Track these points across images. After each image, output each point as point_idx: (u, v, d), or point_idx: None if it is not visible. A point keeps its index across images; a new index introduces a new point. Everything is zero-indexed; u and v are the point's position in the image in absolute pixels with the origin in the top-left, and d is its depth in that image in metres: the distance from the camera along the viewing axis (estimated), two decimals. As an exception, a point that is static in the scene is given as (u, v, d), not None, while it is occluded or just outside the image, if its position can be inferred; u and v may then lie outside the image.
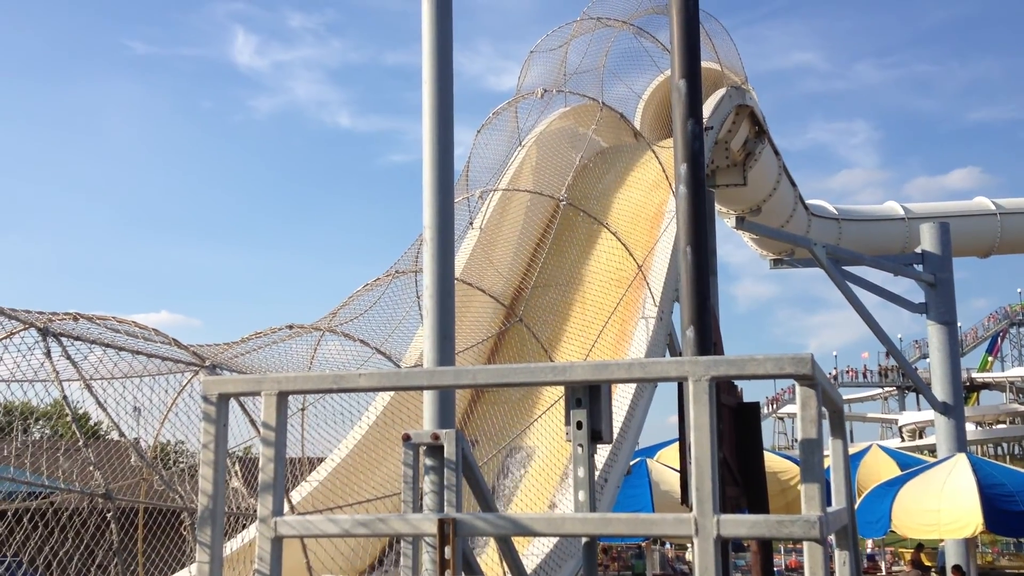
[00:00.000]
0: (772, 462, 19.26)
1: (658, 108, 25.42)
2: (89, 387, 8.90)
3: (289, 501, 11.33)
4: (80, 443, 8.86)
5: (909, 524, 18.10)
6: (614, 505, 14.34)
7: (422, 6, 5.84)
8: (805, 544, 3.83)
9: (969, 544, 21.01)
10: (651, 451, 23.12)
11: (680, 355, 9.49)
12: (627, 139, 21.14)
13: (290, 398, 4.39)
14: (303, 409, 12.17)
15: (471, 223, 17.86)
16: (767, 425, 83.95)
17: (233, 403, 4.66)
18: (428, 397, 5.37)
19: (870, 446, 26.59)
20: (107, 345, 9.36)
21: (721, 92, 23.66)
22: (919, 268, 28.04)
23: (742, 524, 3.66)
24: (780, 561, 30.12)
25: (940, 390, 26.80)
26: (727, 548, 5.79)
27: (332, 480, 13.39)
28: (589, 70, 21.99)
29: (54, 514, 9.17)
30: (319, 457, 14.03)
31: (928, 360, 29.34)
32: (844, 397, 69.59)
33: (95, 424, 13.84)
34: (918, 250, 28.51)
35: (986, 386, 78.30)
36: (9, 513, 9.01)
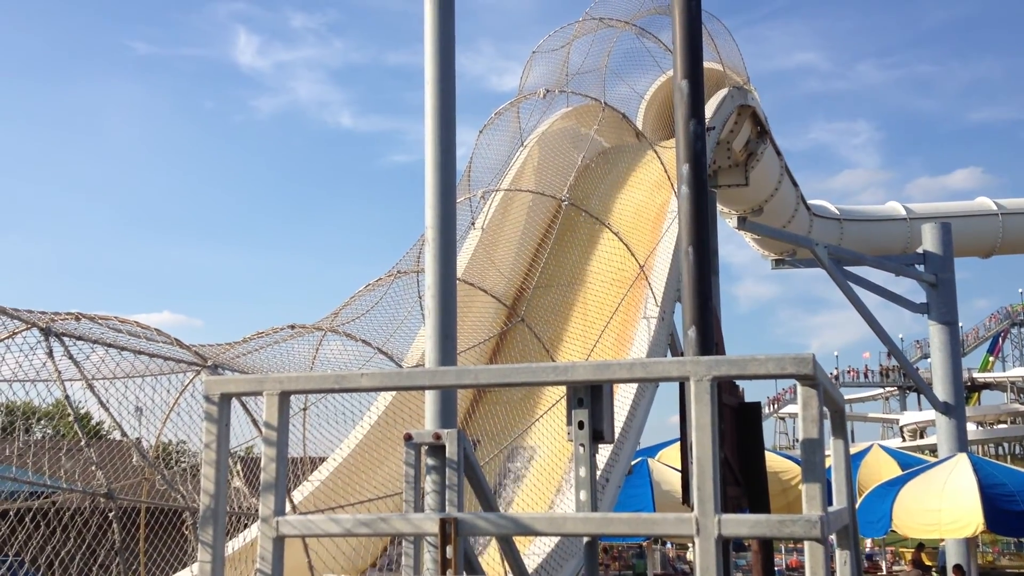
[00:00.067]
0: (773, 462, 19.26)
1: (660, 108, 25.43)
2: (91, 387, 8.91)
3: (291, 501, 11.34)
4: (82, 443, 8.87)
5: (910, 524, 18.11)
6: (615, 505, 14.35)
7: (424, 6, 5.84)
8: (806, 544, 3.83)
9: (970, 544, 21.02)
10: (652, 451, 23.15)
11: (682, 355, 9.49)
12: (629, 139, 21.14)
13: (292, 398, 4.40)
14: (305, 409, 12.18)
15: (473, 223, 17.86)
16: (768, 425, 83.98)
17: (235, 403, 4.66)
18: (430, 397, 5.38)
19: (871, 446, 26.60)
20: (109, 345, 9.37)
21: (723, 92, 23.67)
22: (920, 268, 28.02)
23: (743, 524, 3.67)
24: (781, 561, 30.13)
25: (941, 390, 26.78)
26: (728, 548, 5.80)
27: (334, 480, 13.40)
28: (591, 70, 22.00)
29: (56, 514, 9.18)
30: (321, 457, 14.04)
31: (929, 360, 29.31)
32: (845, 397, 69.51)
33: (97, 424, 13.86)
34: (920, 250, 28.48)
35: (987, 386, 78.31)
36: (11, 513, 9.02)
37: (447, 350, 5.48)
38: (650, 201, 19.04)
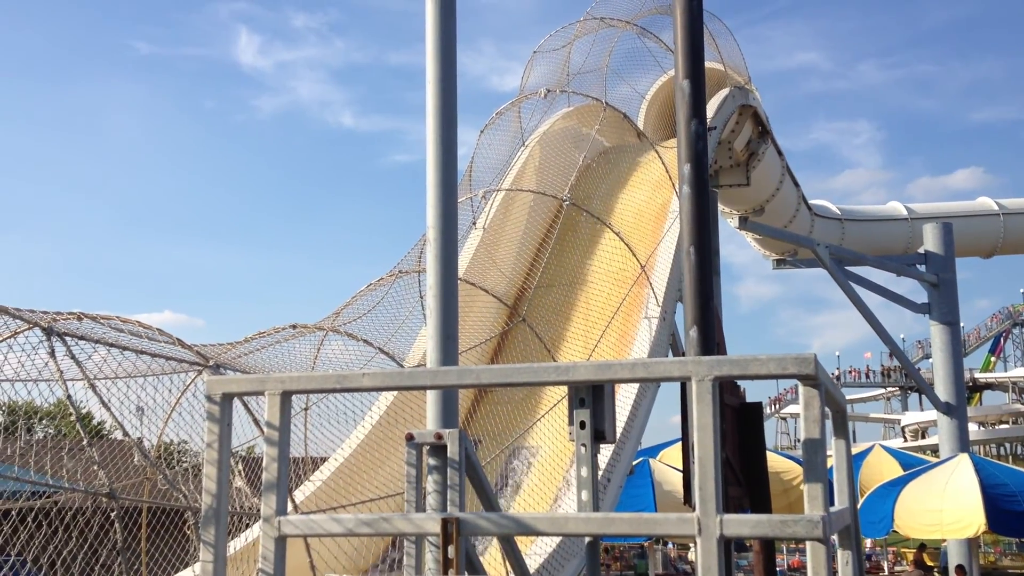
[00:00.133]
0: (775, 462, 19.25)
1: (661, 108, 25.44)
2: (93, 386, 8.91)
3: (292, 500, 11.34)
4: (84, 442, 8.88)
5: (912, 524, 18.10)
6: (617, 505, 14.35)
7: (426, 6, 5.84)
8: (808, 544, 3.83)
9: (972, 544, 21.00)
10: (654, 451, 23.15)
11: (683, 355, 9.49)
12: (630, 139, 21.14)
13: (293, 397, 4.40)
14: (306, 409, 12.18)
15: (474, 223, 17.86)
16: (770, 425, 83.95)
17: (236, 402, 4.67)
18: (431, 397, 5.38)
19: (873, 446, 26.58)
20: (111, 344, 9.37)
21: (724, 92, 23.67)
22: (922, 268, 27.98)
23: (745, 524, 3.67)
24: (783, 561, 30.13)
25: (943, 390, 26.75)
26: (730, 548, 5.80)
27: (335, 479, 13.41)
28: (592, 70, 22.00)
29: (58, 513, 9.19)
30: (322, 457, 14.04)
31: (931, 360, 29.28)
32: (847, 397, 69.42)
33: (99, 423, 13.88)
34: (921, 250, 28.45)
35: (989, 386, 78.28)
36: (13, 512, 9.03)
37: (449, 350, 5.48)
38: (651, 201, 19.05)
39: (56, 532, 9.10)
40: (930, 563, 26.98)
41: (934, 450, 37.98)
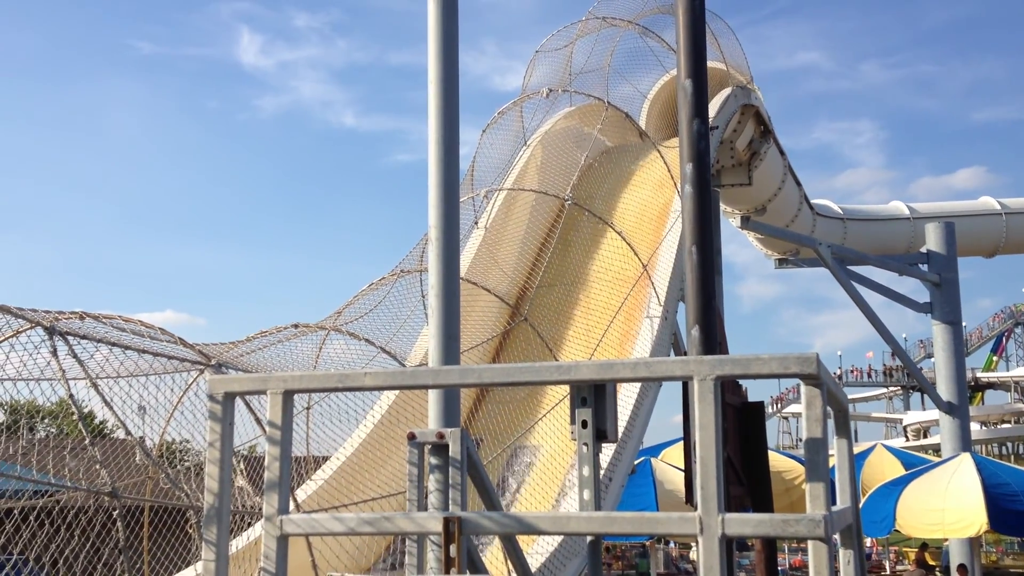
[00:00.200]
0: (776, 461, 19.24)
1: (663, 108, 25.43)
2: (95, 385, 8.93)
3: (294, 499, 11.36)
4: (86, 441, 8.89)
5: (913, 523, 18.09)
6: (619, 504, 14.35)
7: (428, 6, 5.85)
8: (810, 543, 3.83)
9: (973, 543, 20.97)
10: (655, 450, 23.12)
11: (685, 354, 9.49)
12: (632, 139, 21.15)
13: (295, 397, 4.40)
14: (308, 408, 12.20)
15: (476, 223, 17.87)
16: (772, 424, 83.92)
17: (239, 401, 4.67)
18: (433, 396, 5.38)
19: (875, 445, 26.58)
20: (113, 344, 9.38)
21: (727, 92, 23.67)
22: (924, 268, 27.96)
23: (747, 523, 3.67)
24: (784, 560, 30.11)
25: (945, 390, 26.72)
26: (732, 547, 5.80)
27: (337, 479, 13.42)
28: (594, 70, 21.98)
29: (60, 512, 9.20)
30: (324, 456, 14.05)
31: (933, 360, 29.28)
32: (849, 397, 69.40)
33: (101, 423, 13.89)
34: (923, 250, 28.42)
35: (991, 386, 78.19)
36: (16, 511, 9.04)
37: (450, 349, 5.49)
38: (653, 200, 19.05)
39: (58, 531, 9.11)
40: (932, 563, 26.97)
41: (936, 449, 38.00)
